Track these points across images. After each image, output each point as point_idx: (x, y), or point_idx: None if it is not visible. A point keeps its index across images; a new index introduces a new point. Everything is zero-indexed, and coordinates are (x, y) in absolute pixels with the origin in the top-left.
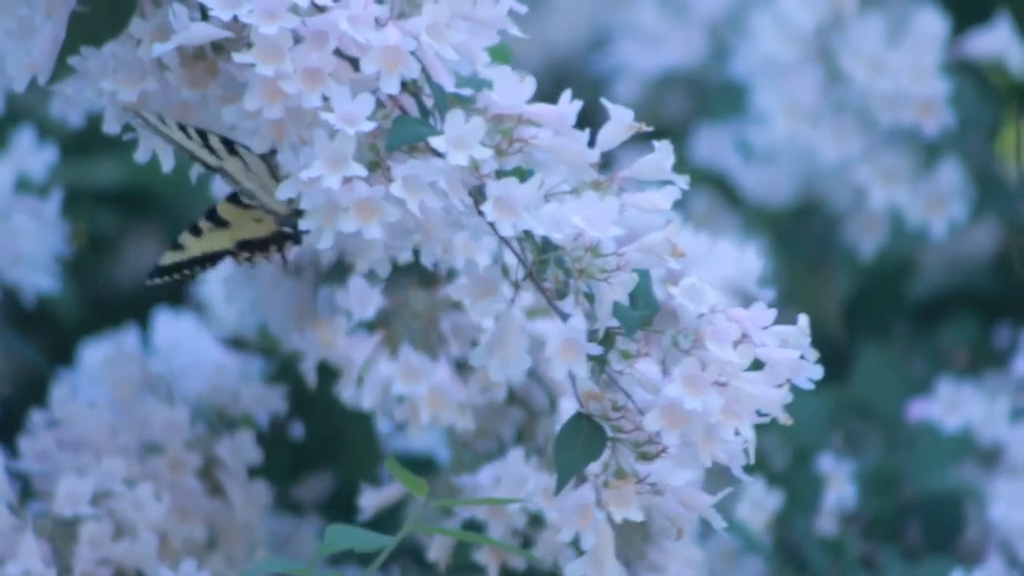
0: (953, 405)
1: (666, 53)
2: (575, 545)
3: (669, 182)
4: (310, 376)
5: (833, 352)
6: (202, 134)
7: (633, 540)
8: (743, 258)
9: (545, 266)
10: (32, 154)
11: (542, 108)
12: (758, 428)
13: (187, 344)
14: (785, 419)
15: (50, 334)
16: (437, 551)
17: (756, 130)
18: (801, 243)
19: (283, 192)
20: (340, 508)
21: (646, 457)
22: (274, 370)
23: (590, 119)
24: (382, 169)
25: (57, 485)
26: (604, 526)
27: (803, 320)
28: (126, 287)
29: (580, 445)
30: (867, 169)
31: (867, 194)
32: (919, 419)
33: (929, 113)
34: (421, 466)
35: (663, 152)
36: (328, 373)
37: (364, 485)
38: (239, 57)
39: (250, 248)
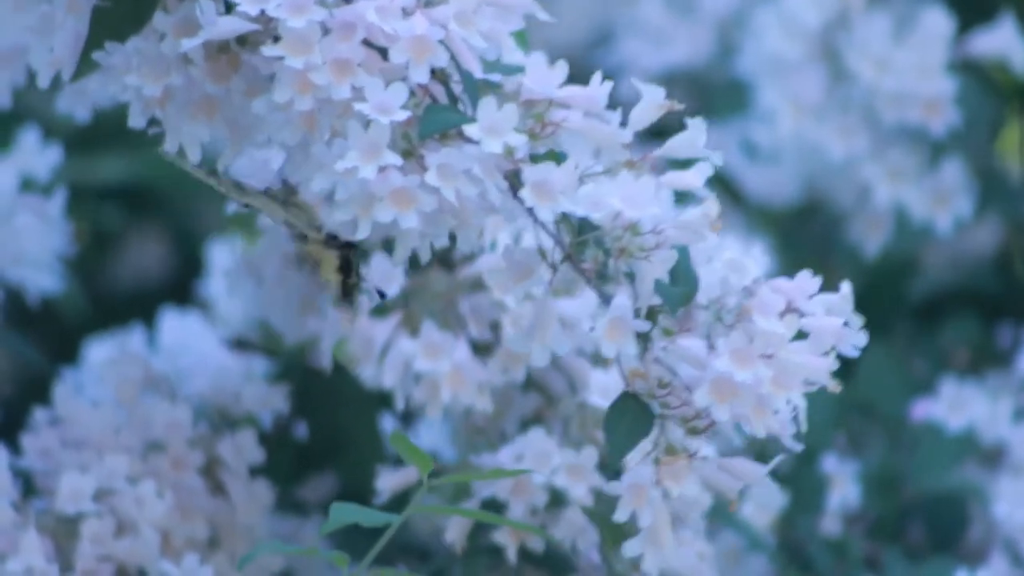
0: (956, 405)
1: (672, 51)
2: (605, 525)
3: (702, 159)
4: (325, 359)
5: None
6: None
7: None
8: (750, 255)
9: (583, 247)
10: (37, 155)
11: (574, 91)
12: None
13: (193, 343)
14: (834, 386)
15: (54, 332)
16: (453, 532)
17: (761, 128)
18: (804, 242)
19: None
20: None
21: (695, 432)
22: (277, 369)
23: None
24: (415, 158)
25: (59, 482)
26: (660, 503)
27: (846, 287)
28: (130, 285)
29: (627, 424)
30: (873, 167)
31: (872, 192)
32: (922, 419)
33: (935, 112)
34: None
35: (696, 129)
36: (333, 371)
37: (380, 467)
38: (268, 50)
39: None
